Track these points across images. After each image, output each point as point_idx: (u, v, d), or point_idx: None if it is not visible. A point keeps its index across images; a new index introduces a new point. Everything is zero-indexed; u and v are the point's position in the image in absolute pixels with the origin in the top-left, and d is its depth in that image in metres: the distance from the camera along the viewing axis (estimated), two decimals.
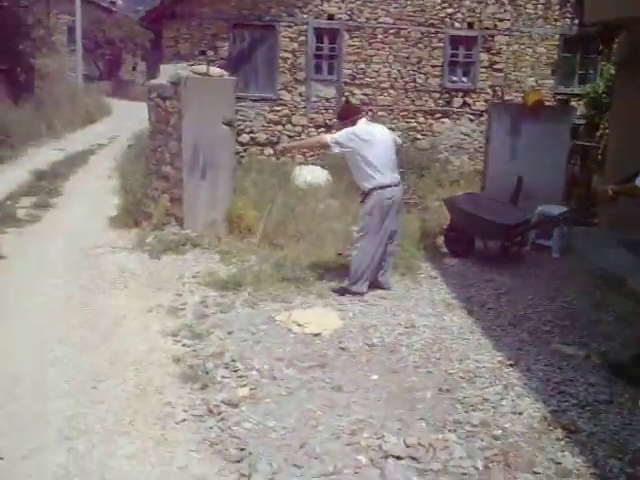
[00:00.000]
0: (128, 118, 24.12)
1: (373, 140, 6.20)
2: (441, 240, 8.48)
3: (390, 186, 6.24)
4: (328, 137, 6.31)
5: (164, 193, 8.60)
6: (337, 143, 6.17)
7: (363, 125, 6.34)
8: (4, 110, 18.56)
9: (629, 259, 7.91)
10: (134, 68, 41.70)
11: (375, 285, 6.56)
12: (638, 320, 5.92)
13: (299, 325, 5.46)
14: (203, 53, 14.24)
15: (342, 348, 5.13)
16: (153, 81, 9.20)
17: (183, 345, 5.20)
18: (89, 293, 6.52)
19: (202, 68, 8.25)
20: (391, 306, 6.17)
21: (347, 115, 6.49)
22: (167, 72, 9.34)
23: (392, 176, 6.30)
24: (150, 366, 4.87)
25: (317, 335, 5.35)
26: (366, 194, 6.28)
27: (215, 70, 8.29)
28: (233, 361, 4.87)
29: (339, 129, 6.48)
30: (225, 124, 7.92)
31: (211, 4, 14.19)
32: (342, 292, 6.37)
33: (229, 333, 5.39)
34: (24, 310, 6.00)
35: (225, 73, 8.38)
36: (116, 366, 4.89)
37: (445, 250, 8.27)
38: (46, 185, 12.25)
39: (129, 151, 12.14)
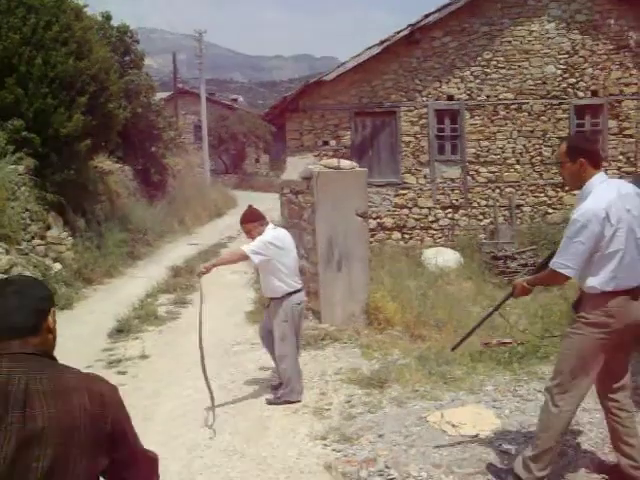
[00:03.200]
0: None
1: (285, 247, 6.17)
2: None
3: (298, 291, 6.22)
4: (245, 248, 6.04)
5: None
6: (256, 253, 5.98)
7: (273, 231, 6.22)
8: (141, 209, 19.60)
9: None
10: (257, 160, 43.36)
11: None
12: None
13: (453, 426, 5.17)
14: (326, 143, 14.56)
15: (503, 451, 4.79)
16: (284, 177, 9.40)
17: (333, 450, 5.01)
18: (229, 394, 6.51)
19: (333, 161, 8.34)
20: None
21: (254, 218, 6.28)
22: (295, 166, 9.55)
23: (299, 281, 6.30)
24: (301, 474, 4.71)
25: (474, 437, 5.04)
26: (275, 301, 6.20)
27: (345, 162, 8.36)
28: (387, 468, 4.63)
29: (247, 232, 6.31)
30: (359, 215, 7.91)
31: (332, 96, 14.53)
32: (279, 402, 6.12)
33: (380, 436, 5.17)
34: (168, 416, 6.04)
35: (355, 165, 8.44)
36: (266, 474, 4.77)
37: None
38: (182, 281, 12.64)
39: None
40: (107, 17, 19.89)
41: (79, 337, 9.05)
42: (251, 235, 6.20)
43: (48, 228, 13.30)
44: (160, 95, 28.74)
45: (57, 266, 12.22)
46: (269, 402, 6.19)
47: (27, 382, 1.85)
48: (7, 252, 11.23)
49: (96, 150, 15.24)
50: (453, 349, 5.22)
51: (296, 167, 9.42)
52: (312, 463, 4.83)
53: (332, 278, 8.02)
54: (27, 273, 11.14)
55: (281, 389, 6.24)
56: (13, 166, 12.32)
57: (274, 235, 6.15)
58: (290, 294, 6.14)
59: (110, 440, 1.97)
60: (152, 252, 17.39)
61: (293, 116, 14.87)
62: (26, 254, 11.88)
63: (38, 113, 12.61)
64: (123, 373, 7.46)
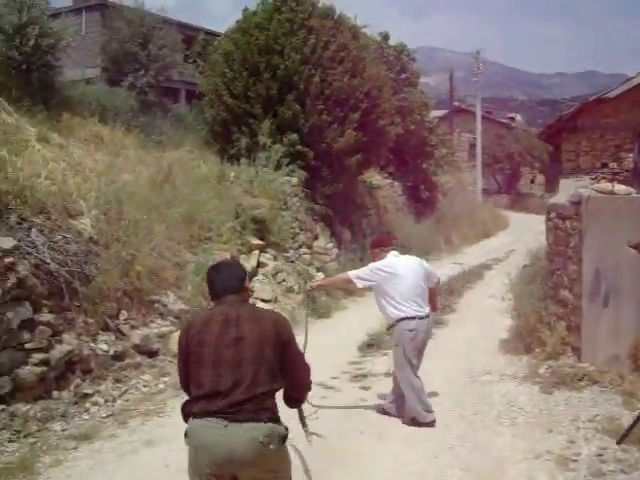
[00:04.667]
0: (525, 231, 23.86)
1: (397, 273, 6.22)
2: None
3: (414, 318, 6.14)
4: (351, 274, 6.50)
5: (560, 320, 7.96)
6: (360, 278, 6.35)
7: (389, 258, 6.40)
8: (408, 224, 19.75)
9: None
10: (532, 181, 41.86)
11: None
12: None
13: None
14: (605, 166, 13.48)
15: None
16: (552, 200, 8.79)
17: None
18: (469, 426, 6.14)
19: (606, 186, 7.58)
20: None
21: (377, 244, 6.70)
22: (566, 188, 8.87)
23: (416, 309, 6.18)
24: None
25: None
26: (391, 326, 6.33)
27: (620, 188, 7.55)
28: None
29: (372, 257, 6.65)
30: (632, 247, 7.07)
31: (614, 114, 13.43)
32: (413, 424, 6.16)
33: None
34: (403, 440, 5.86)
35: (632, 190, 7.58)
36: None
37: None
38: (440, 301, 12.39)
39: (524, 271, 11.83)
40: (385, 36, 20.47)
41: (330, 347, 9.26)
42: (375, 260, 6.52)
43: (316, 238, 13.89)
44: (436, 113, 28.94)
45: (320, 275, 12.65)
46: (403, 421, 6.27)
47: (238, 313, 3.33)
48: (275, 258, 11.89)
49: (366, 165, 15.62)
50: (619, 442, 4.79)
51: (568, 190, 8.74)
52: None
53: (597, 314, 7.25)
54: (290, 279, 11.72)
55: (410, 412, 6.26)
56: (287, 178, 13.05)
57: (386, 262, 6.34)
58: (402, 320, 6.16)
59: (283, 347, 3.34)
60: None
61: (570, 136, 14.02)
62: (292, 262, 12.47)
63: (312, 128, 13.22)
64: (366, 389, 7.46)
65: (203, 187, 10.99)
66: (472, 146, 37.54)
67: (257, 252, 11.27)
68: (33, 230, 7.05)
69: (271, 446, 3.16)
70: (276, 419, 3.27)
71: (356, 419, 6.43)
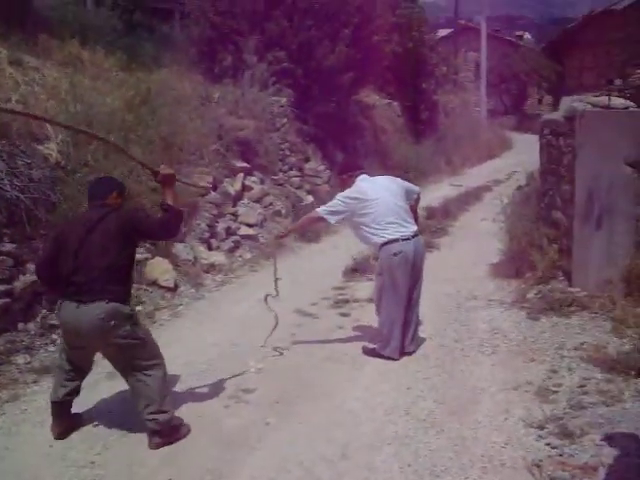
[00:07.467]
0: (530, 153, 23.24)
1: (368, 197, 5.66)
2: None
3: (397, 240, 5.57)
4: (320, 211, 5.86)
5: (552, 242, 7.56)
6: (332, 213, 5.76)
7: (358, 183, 5.84)
8: (406, 146, 19.20)
9: None
10: (540, 101, 40.71)
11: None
12: None
13: None
14: (610, 82, 12.79)
15: None
16: (546, 116, 8.29)
17: (548, 444, 4.09)
18: (449, 355, 5.84)
19: (602, 100, 7.05)
20: None
21: (344, 170, 6.17)
22: (565, 105, 8.36)
23: (398, 230, 5.63)
24: (501, 468, 3.91)
25: None
26: (377, 257, 5.89)
27: (618, 101, 7.02)
28: None
29: (339, 184, 6.30)
30: (628, 165, 6.58)
31: (622, 27, 12.68)
32: (372, 354, 5.82)
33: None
34: (377, 371, 5.57)
35: (630, 104, 7.04)
36: (460, 459, 4.02)
37: None
38: (434, 224, 12.04)
39: (519, 192, 11.34)
40: None
41: (315, 272, 9.12)
42: (344, 188, 5.93)
43: (307, 160, 13.39)
44: (443, 32, 27.77)
45: (309, 198, 12.28)
46: (364, 351, 5.95)
47: (92, 215, 4.23)
48: (261, 182, 11.44)
49: (360, 84, 14.93)
50: None
51: (564, 107, 8.21)
52: (518, 456, 4.01)
53: (589, 236, 6.80)
54: (278, 203, 11.32)
55: (378, 341, 5.89)
56: (276, 98, 12.47)
57: (354, 189, 5.80)
58: (385, 244, 5.63)
59: (133, 230, 4.22)
60: None
61: (574, 52, 13.30)
62: (281, 184, 12.04)
63: (301, 45, 12.56)
64: (346, 315, 7.19)
65: (184, 108, 10.45)
66: (478, 65, 36.36)
67: (242, 175, 10.83)
68: None
69: (112, 322, 3.98)
70: (121, 300, 4.09)
71: (329, 348, 6.16)
